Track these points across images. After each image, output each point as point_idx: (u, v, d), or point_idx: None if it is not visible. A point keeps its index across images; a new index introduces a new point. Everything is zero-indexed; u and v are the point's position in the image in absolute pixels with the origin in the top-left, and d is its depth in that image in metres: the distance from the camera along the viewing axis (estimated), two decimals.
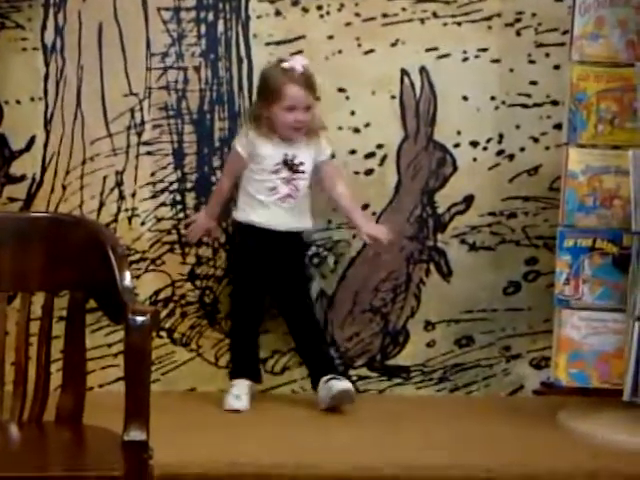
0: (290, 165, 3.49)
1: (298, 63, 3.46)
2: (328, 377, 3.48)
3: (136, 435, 2.12)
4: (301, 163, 3.50)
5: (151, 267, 3.67)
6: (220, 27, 3.64)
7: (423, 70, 3.68)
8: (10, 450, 2.34)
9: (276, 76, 3.46)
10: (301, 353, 3.63)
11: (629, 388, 3.33)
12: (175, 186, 3.67)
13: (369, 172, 3.70)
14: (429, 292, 3.75)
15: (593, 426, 3.35)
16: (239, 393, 3.49)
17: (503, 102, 3.70)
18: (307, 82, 3.47)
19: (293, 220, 3.52)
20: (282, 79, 3.44)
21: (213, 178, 3.67)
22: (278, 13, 3.64)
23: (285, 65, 3.46)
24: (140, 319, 2.15)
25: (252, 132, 3.48)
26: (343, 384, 3.46)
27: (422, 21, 3.66)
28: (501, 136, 3.71)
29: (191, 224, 3.61)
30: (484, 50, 3.69)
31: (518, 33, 3.68)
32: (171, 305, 3.69)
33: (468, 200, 3.73)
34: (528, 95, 3.70)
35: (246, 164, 3.49)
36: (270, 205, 3.49)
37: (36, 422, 2.39)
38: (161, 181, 3.66)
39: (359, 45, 3.66)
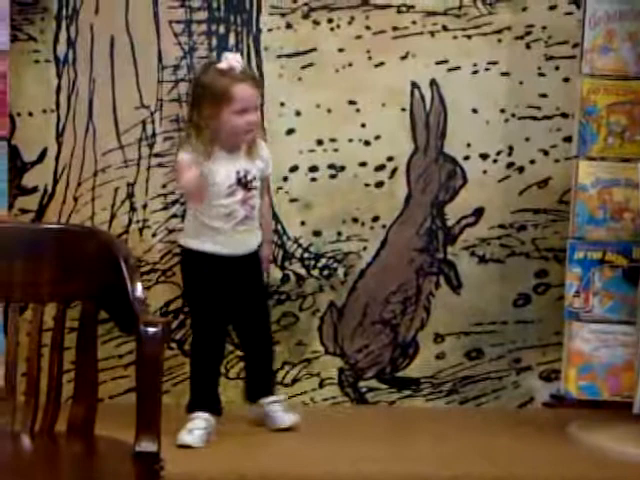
0: (244, 183, 3.27)
1: (234, 61, 3.24)
2: (271, 400, 3.41)
3: (147, 446, 2.13)
4: (253, 178, 3.29)
5: (162, 278, 3.68)
6: (231, 40, 3.66)
7: (433, 83, 3.69)
8: (22, 461, 2.35)
9: (217, 78, 3.21)
10: (250, 367, 3.48)
11: (639, 401, 3.33)
12: None
13: (379, 184, 3.71)
14: (439, 304, 3.76)
15: (603, 439, 3.34)
16: (193, 427, 3.26)
17: (513, 115, 3.71)
18: (254, 79, 3.30)
19: (252, 240, 3.34)
20: (225, 80, 3.19)
21: None
22: (289, 26, 3.65)
23: (222, 66, 3.23)
24: (152, 330, 2.16)
25: (197, 152, 3.20)
26: (289, 420, 3.38)
27: (432, 34, 3.68)
28: (511, 149, 3.72)
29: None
30: (494, 63, 3.69)
31: (528, 46, 3.69)
32: (181, 316, 3.70)
33: (478, 212, 3.74)
34: (538, 108, 3.71)
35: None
36: (228, 231, 3.27)
37: (48, 433, 2.39)
38: (172, 193, 3.68)
39: (369, 58, 3.67)
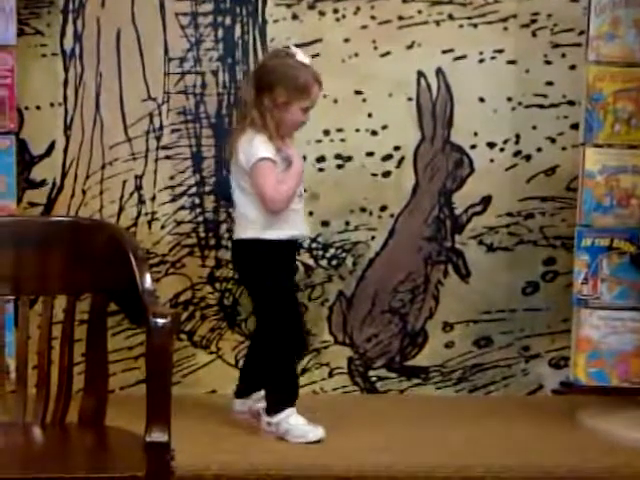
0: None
1: (308, 59, 3.24)
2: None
3: (158, 436, 2.14)
4: None
5: (171, 270, 3.70)
6: (237, 31, 3.67)
7: (439, 72, 3.70)
8: (34, 452, 2.36)
9: (300, 69, 3.18)
10: (252, 361, 3.39)
11: None
12: (194, 190, 3.69)
13: (386, 174, 3.72)
14: (447, 293, 3.76)
15: (613, 425, 3.35)
16: (304, 422, 3.20)
17: (519, 103, 3.71)
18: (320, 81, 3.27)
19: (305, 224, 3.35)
20: (308, 75, 3.17)
21: None
22: (295, 17, 3.66)
23: (304, 60, 3.20)
24: (161, 321, 2.17)
25: (264, 133, 3.16)
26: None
27: (438, 23, 3.68)
28: (518, 137, 3.72)
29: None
30: (500, 51, 3.70)
31: (534, 34, 3.69)
32: (191, 308, 3.71)
33: (485, 201, 3.74)
34: (544, 96, 3.71)
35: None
36: (300, 211, 3.26)
37: (59, 424, 2.41)
38: (180, 185, 3.69)
39: (375, 48, 3.68)
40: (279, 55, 3.25)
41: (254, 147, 3.16)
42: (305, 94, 3.17)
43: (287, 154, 3.19)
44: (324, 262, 3.74)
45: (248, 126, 3.19)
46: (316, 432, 3.21)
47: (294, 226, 3.23)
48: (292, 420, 3.22)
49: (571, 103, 3.69)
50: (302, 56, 3.21)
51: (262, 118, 3.16)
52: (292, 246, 3.30)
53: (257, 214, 3.20)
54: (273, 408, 3.24)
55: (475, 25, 3.69)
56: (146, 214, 3.68)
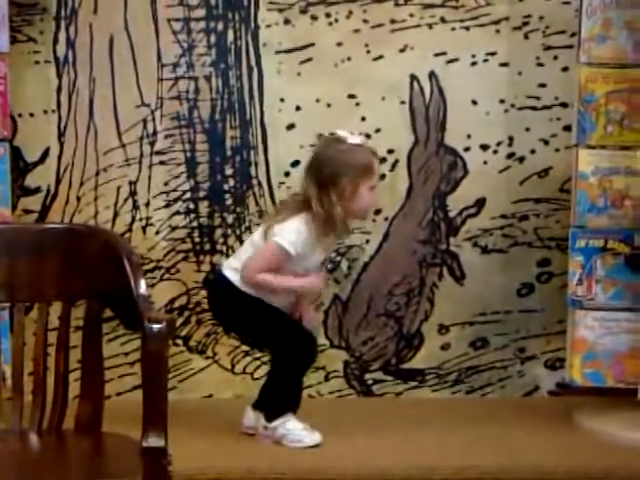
0: (325, 262, 3.36)
1: (359, 138, 3.23)
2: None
3: (155, 442, 2.15)
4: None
5: (166, 275, 3.70)
6: (230, 36, 3.67)
7: (432, 75, 3.70)
8: (30, 459, 2.37)
9: (357, 151, 3.16)
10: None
11: None
12: (188, 195, 3.70)
13: (380, 177, 3.70)
14: (443, 295, 3.77)
15: (609, 426, 3.35)
16: (302, 427, 3.22)
17: (512, 105, 3.72)
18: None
19: None
20: (365, 154, 3.17)
21: (225, 186, 3.69)
22: (287, 21, 3.66)
23: (355, 141, 3.19)
24: (157, 327, 2.17)
25: (310, 228, 3.15)
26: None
27: (430, 26, 3.69)
28: (511, 139, 3.73)
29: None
30: (492, 54, 3.70)
31: (526, 36, 3.70)
32: (186, 313, 3.71)
33: (479, 203, 3.75)
34: (537, 98, 3.72)
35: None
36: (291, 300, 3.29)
37: (55, 431, 2.41)
38: (174, 190, 3.69)
39: (368, 51, 3.68)
40: (331, 144, 3.20)
41: (288, 229, 3.15)
42: (369, 173, 3.16)
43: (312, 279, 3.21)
44: None
45: (303, 213, 3.16)
46: (313, 437, 3.21)
47: (280, 303, 3.24)
48: (289, 425, 3.23)
49: (564, 105, 3.70)
50: (353, 137, 3.20)
51: (328, 214, 3.13)
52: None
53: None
54: (273, 414, 3.24)
55: (467, 28, 3.70)
56: (141, 220, 3.69)
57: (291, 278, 3.19)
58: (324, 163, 3.15)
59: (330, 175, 3.13)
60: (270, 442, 3.23)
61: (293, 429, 3.22)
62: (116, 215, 3.68)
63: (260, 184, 3.71)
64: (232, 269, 3.24)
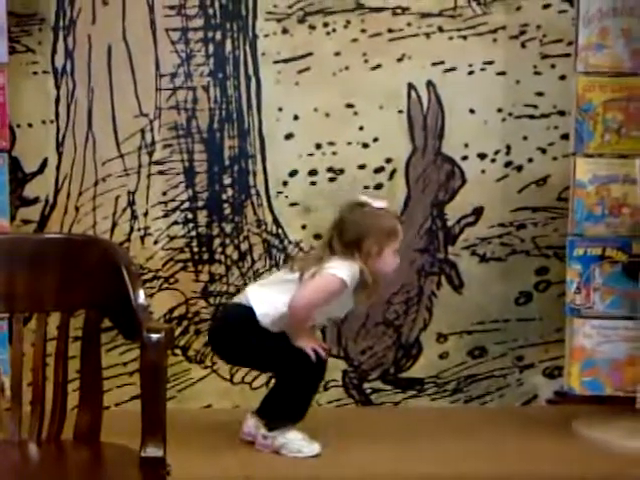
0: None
1: (382, 203, 3.30)
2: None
3: (153, 451, 2.15)
4: None
5: (165, 285, 3.70)
6: (228, 46, 3.68)
7: (430, 84, 3.71)
8: (29, 469, 2.36)
9: (383, 215, 3.25)
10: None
11: None
12: (187, 205, 3.70)
13: (378, 186, 3.73)
14: (441, 304, 3.77)
15: (608, 434, 3.36)
16: (302, 437, 3.25)
17: (510, 114, 3.73)
18: None
19: None
20: (391, 219, 3.27)
21: (224, 196, 3.70)
22: (285, 31, 3.67)
23: (380, 204, 3.27)
24: (155, 336, 2.17)
25: (362, 271, 3.20)
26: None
27: (428, 36, 3.70)
28: (509, 148, 3.74)
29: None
30: (490, 63, 3.71)
31: (523, 45, 3.71)
32: (185, 323, 3.72)
33: (477, 212, 3.76)
34: (535, 106, 3.73)
35: None
36: (316, 330, 3.42)
37: (54, 441, 2.41)
38: (173, 200, 3.70)
39: (366, 61, 3.69)
40: (355, 208, 3.26)
41: (343, 266, 3.19)
42: (394, 237, 3.24)
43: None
44: None
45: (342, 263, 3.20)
46: (312, 447, 3.22)
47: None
48: (289, 435, 3.23)
49: (561, 113, 3.70)
50: (377, 202, 3.27)
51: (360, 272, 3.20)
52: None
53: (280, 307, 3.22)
54: (274, 425, 3.24)
55: (465, 37, 3.71)
56: (139, 229, 3.69)
57: (307, 333, 3.24)
58: (349, 226, 3.22)
59: (355, 238, 3.20)
60: (269, 451, 3.23)
61: (293, 439, 3.22)
62: (115, 225, 3.68)
63: (258, 193, 3.71)
64: (260, 303, 3.23)
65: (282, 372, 3.28)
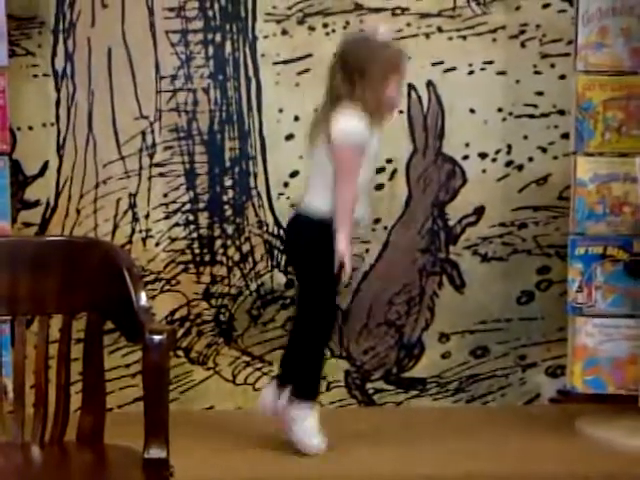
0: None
1: (390, 33, 3.25)
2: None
3: (156, 453, 2.15)
4: None
5: (166, 287, 3.71)
6: (228, 48, 3.68)
7: (430, 84, 3.71)
8: (33, 471, 2.36)
9: (386, 47, 3.18)
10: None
11: None
12: (188, 206, 3.70)
13: (379, 187, 3.73)
14: (443, 304, 3.78)
15: (610, 432, 3.36)
16: (313, 430, 3.25)
17: (510, 113, 3.73)
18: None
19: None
20: (395, 50, 3.20)
21: (225, 197, 3.70)
22: (284, 32, 3.67)
23: (385, 37, 3.20)
24: (157, 338, 2.17)
25: (361, 116, 3.13)
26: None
27: (427, 36, 3.70)
28: (509, 147, 3.74)
29: (343, 265, 3.19)
30: (490, 63, 3.72)
31: (523, 45, 3.71)
32: (187, 324, 3.72)
33: (479, 211, 3.76)
34: (535, 106, 3.73)
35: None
36: (364, 197, 3.26)
37: (57, 443, 2.41)
38: (174, 202, 3.70)
39: None
40: (356, 41, 3.23)
41: (345, 129, 3.14)
42: (397, 68, 3.17)
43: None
44: None
45: (341, 106, 3.16)
46: (318, 441, 3.23)
47: (359, 210, 3.23)
48: (309, 417, 3.24)
49: (561, 112, 3.71)
50: (386, 34, 3.20)
51: (363, 102, 3.14)
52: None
53: (327, 191, 3.19)
54: (300, 389, 3.24)
55: (464, 37, 3.71)
56: (140, 232, 3.69)
57: (347, 229, 3.16)
58: (353, 56, 3.17)
59: (359, 66, 3.14)
60: (286, 416, 3.23)
61: (310, 423, 3.23)
62: (116, 227, 3.69)
63: (259, 195, 3.71)
64: (307, 203, 3.24)
65: (308, 294, 3.26)
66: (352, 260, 3.22)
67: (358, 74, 3.14)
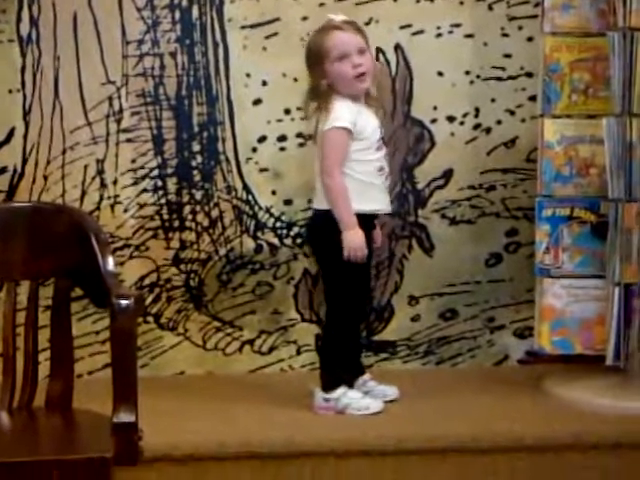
0: (382, 138, 3.30)
1: (335, 16, 3.25)
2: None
3: (125, 417, 2.16)
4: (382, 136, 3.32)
5: (135, 253, 3.70)
6: (195, 12, 3.66)
7: (398, 48, 3.71)
8: (1, 437, 2.37)
9: (316, 35, 3.25)
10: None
11: (611, 353, 3.38)
12: (156, 172, 3.69)
13: None
14: (412, 267, 3.79)
15: (578, 392, 3.39)
16: (361, 394, 3.32)
17: (478, 76, 3.73)
18: (353, 25, 3.26)
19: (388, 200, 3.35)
20: (318, 36, 3.23)
21: (193, 162, 3.69)
22: None
23: (323, 25, 3.25)
24: (124, 302, 2.18)
25: (345, 100, 3.19)
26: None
27: None
28: (477, 110, 3.74)
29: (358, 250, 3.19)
30: (457, 25, 3.71)
31: (490, 7, 3.71)
32: (157, 290, 3.72)
33: (447, 175, 3.77)
34: (502, 68, 3.73)
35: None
36: (382, 187, 3.27)
37: (26, 409, 2.41)
38: (142, 168, 3.69)
39: None
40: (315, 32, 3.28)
41: (332, 116, 3.19)
42: (324, 52, 3.19)
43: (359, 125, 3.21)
44: (288, 241, 3.75)
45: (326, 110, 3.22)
46: (376, 404, 3.28)
47: (374, 200, 3.26)
48: (351, 394, 3.27)
49: (529, 75, 3.71)
50: (326, 20, 3.24)
51: (324, 97, 3.22)
52: (369, 221, 3.28)
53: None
54: (330, 383, 3.27)
55: (432, 0, 3.70)
56: (109, 198, 3.68)
57: (350, 210, 3.17)
58: (305, 52, 3.29)
59: (306, 60, 3.27)
60: (333, 413, 3.25)
61: (356, 398, 3.27)
62: (84, 194, 3.67)
63: (228, 160, 3.71)
64: (319, 199, 3.26)
65: (336, 287, 3.28)
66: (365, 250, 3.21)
67: (309, 68, 3.25)
